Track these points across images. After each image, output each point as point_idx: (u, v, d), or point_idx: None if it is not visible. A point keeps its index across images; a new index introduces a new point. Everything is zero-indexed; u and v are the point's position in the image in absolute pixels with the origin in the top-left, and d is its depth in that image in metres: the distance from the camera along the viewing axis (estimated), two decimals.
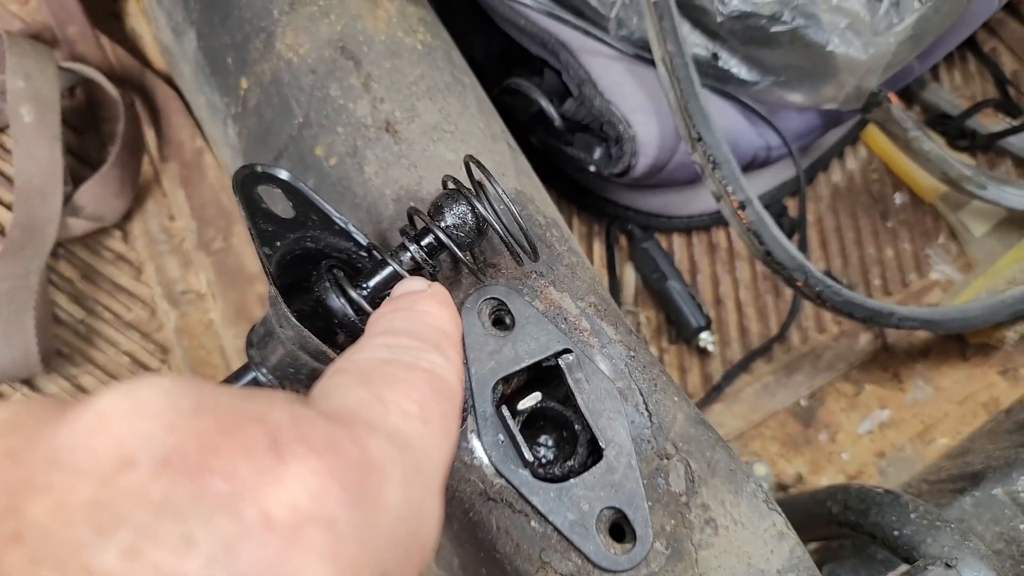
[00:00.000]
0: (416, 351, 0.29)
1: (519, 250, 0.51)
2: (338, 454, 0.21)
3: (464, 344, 0.53)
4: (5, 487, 0.19)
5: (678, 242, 1.09)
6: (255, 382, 0.52)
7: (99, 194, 0.81)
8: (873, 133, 1.16)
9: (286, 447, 0.20)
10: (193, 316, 0.83)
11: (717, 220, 1.08)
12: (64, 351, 0.81)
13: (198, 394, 0.21)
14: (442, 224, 0.49)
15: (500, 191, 0.49)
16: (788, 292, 1.08)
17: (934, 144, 0.96)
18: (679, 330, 1.02)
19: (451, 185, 0.50)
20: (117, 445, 0.19)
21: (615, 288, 1.05)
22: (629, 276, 1.06)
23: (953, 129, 1.17)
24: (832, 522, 0.73)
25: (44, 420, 0.20)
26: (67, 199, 0.80)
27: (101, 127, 0.91)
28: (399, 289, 0.39)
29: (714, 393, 1.01)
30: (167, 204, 0.88)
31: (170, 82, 0.90)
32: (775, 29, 0.83)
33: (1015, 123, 1.17)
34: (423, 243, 0.49)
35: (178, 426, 0.20)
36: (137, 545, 0.18)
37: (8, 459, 0.19)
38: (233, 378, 0.54)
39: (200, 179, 0.85)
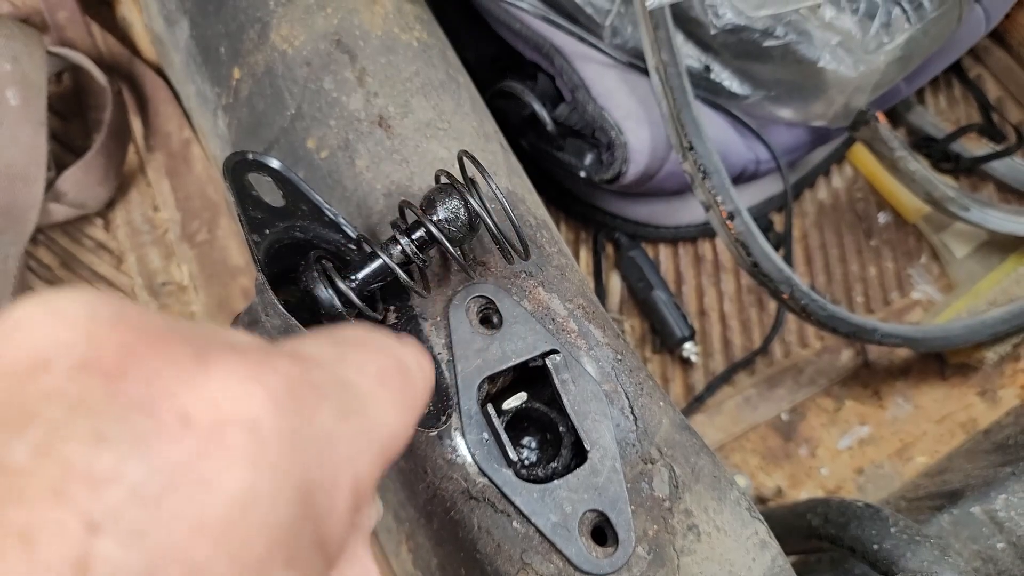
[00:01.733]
0: (393, 345, 0.28)
1: (510, 248, 0.51)
2: (272, 366, 0.21)
3: (451, 341, 0.52)
4: None
5: (664, 252, 1.09)
6: None
7: (82, 181, 0.80)
8: (859, 152, 1.17)
9: (211, 355, 0.20)
10: (174, 308, 0.81)
11: (704, 232, 1.09)
12: None
13: (121, 308, 0.20)
14: (434, 218, 0.48)
15: (494, 187, 0.48)
16: (772, 306, 1.08)
17: (919, 165, 0.97)
18: (663, 339, 1.03)
19: (444, 179, 0.50)
20: (31, 349, 0.19)
21: (601, 295, 1.05)
22: (615, 284, 1.06)
23: (937, 152, 1.19)
24: (812, 535, 0.73)
25: None
26: (49, 185, 0.79)
27: (87, 114, 0.90)
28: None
29: (696, 404, 1.02)
30: (151, 194, 0.87)
31: (159, 72, 0.89)
32: (768, 44, 0.84)
33: (999, 148, 1.18)
34: (414, 236, 0.49)
35: (97, 334, 0.19)
36: (48, 441, 0.17)
37: None
38: None
39: (186, 170, 0.84)
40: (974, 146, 1.21)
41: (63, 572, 0.16)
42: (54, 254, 0.84)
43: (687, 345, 1.01)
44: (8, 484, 0.17)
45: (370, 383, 0.24)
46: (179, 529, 0.17)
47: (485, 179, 0.49)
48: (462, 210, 0.49)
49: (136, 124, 0.88)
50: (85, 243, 0.86)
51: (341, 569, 0.25)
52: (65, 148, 0.88)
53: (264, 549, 0.19)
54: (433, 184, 0.51)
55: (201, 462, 0.18)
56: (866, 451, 1.01)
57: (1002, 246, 1.12)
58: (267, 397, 0.20)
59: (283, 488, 0.19)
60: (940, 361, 1.07)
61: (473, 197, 0.48)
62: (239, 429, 0.19)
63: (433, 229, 0.48)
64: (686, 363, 1.03)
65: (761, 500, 0.98)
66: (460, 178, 0.50)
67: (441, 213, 0.49)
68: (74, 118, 0.90)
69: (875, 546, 0.67)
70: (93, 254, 0.85)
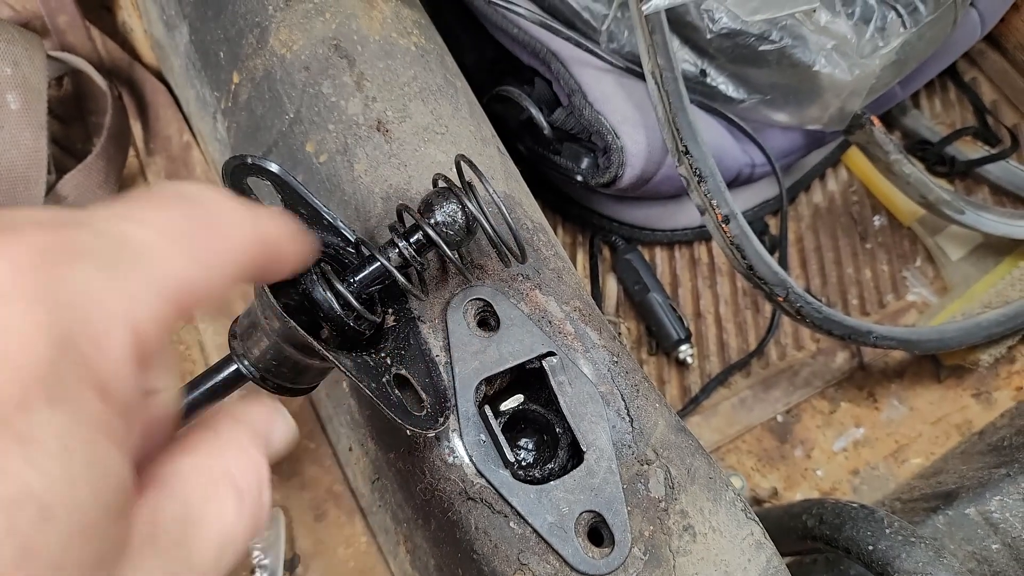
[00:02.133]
0: (201, 198, 0.28)
1: (507, 251, 0.51)
2: (16, 239, 0.22)
3: (449, 344, 0.53)
4: None
5: (660, 255, 1.10)
6: (237, 374, 0.52)
7: (82, 184, 0.80)
8: (854, 156, 1.18)
9: None
10: None
11: (700, 235, 1.09)
12: None
13: None
14: (432, 221, 0.49)
15: (491, 191, 0.49)
16: (767, 308, 1.09)
17: (914, 168, 0.98)
18: (659, 342, 1.03)
19: (442, 183, 0.51)
20: None
21: (597, 298, 1.05)
22: (611, 287, 1.06)
23: (932, 155, 1.19)
24: (807, 536, 0.74)
25: None
26: (50, 188, 0.79)
27: (87, 119, 0.90)
28: None
29: (692, 406, 1.02)
30: None
31: (159, 76, 0.89)
32: (763, 48, 0.84)
33: (993, 151, 1.19)
34: (412, 240, 0.49)
35: None
36: None
37: None
38: (214, 370, 0.53)
39: (186, 174, 0.85)
40: (969, 149, 1.21)
41: None
42: None
43: (683, 347, 1.01)
44: None
45: (150, 235, 0.25)
46: None
47: (482, 183, 0.49)
48: (459, 214, 0.49)
49: (136, 128, 0.88)
50: None
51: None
52: (65, 152, 0.88)
53: (20, 389, 0.20)
54: (431, 188, 0.51)
55: None
56: (861, 453, 1.02)
57: (997, 249, 1.12)
58: (15, 254, 0.21)
59: (34, 335, 0.20)
60: (935, 363, 1.08)
61: (470, 201, 0.49)
62: None
63: (431, 232, 0.48)
64: (682, 365, 1.04)
65: (757, 501, 0.98)
66: (458, 182, 0.51)
67: (439, 216, 0.49)
68: (74, 122, 0.90)
69: (870, 547, 0.67)
70: None
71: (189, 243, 0.26)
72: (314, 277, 0.49)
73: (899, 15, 0.91)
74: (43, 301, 0.21)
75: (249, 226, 0.29)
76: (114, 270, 0.23)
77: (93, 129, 0.90)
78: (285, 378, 0.51)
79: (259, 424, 0.30)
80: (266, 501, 0.28)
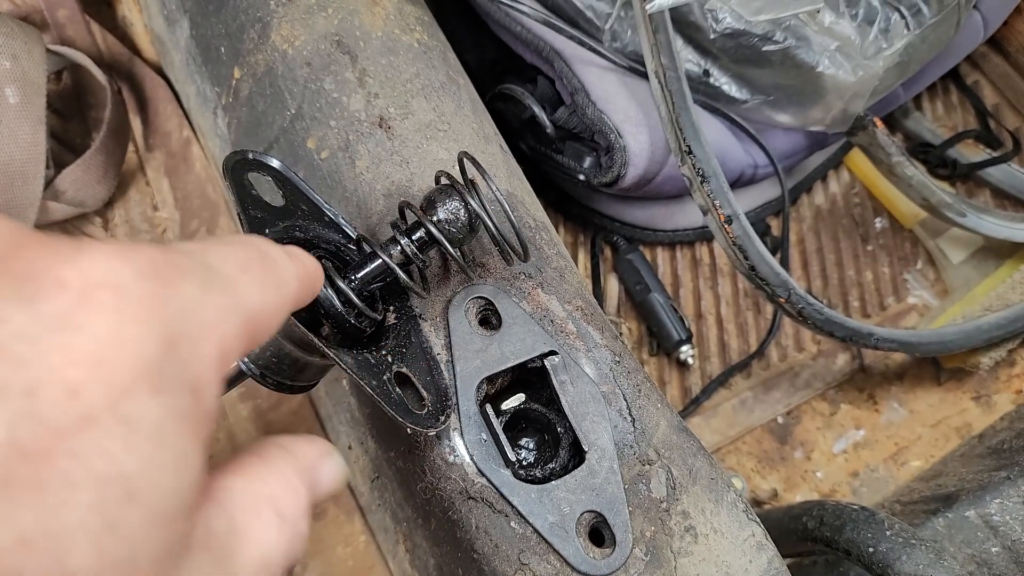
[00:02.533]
0: (257, 241, 0.33)
1: (509, 249, 0.51)
2: (137, 252, 0.25)
3: (450, 342, 0.52)
4: None
5: (662, 256, 1.09)
6: (236, 371, 0.51)
7: (81, 179, 0.80)
8: (856, 158, 1.18)
9: (86, 245, 0.24)
10: None
11: (702, 236, 1.09)
12: None
13: (16, 223, 0.24)
14: (434, 219, 0.48)
15: (493, 188, 0.49)
16: (768, 309, 1.08)
17: (916, 170, 0.97)
18: (660, 342, 1.03)
19: (445, 180, 0.50)
20: None
21: (598, 298, 1.05)
22: (613, 287, 1.06)
23: (934, 158, 1.19)
24: (807, 538, 0.73)
25: None
26: (48, 183, 0.79)
27: (87, 113, 0.90)
28: None
29: (692, 406, 1.02)
30: (150, 193, 0.86)
31: (159, 71, 0.89)
32: (766, 48, 0.84)
33: (995, 154, 1.19)
34: (414, 237, 0.49)
35: None
36: None
37: None
38: None
39: (186, 170, 0.84)
40: (971, 152, 1.21)
41: None
42: None
43: (684, 348, 1.01)
44: None
45: (232, 268, 0.29)
46: (56, 358, 0.21)
47: (485, 180, 0.49)
48: (462, 211, 0.49)
49: (135, 123, 0.88)
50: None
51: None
52: (64, 147, 0.88)
53: (130, 377, 0.23)
54: (433, 185, 0.51)
55: (74, 312, 0.22)
56: (861, 454, 1.02)
57: (998, 252, 1.12)
58: (132, 268, 0.24)
59: (146, 333, 0.23)
60: (935, 366, 1.08)
61: (473, 198, 0.49)
62: (106, 290, 0.23)
63: (433, 230, 0.48)
64: (683, 366, 1.03)
65: (756, 503, 0.98)
66: (460, 179, 0.50)
67: (441, 214, 0.49)
68: (73, 117, 0.90)
69: (870, 549, 0.67)
70: None
71: (260, 278, 0.30)
72: None
73: (903, 17, 0.91)
74: (156, 305, 0.24)
75: (296, 266, 0.33)
76: (209, 290, 0.27)
77: (92, 124, 0.89)
78: (285, 375, 0.50)
79: (306, 459, 0.33)
80: (304, 531, 0.31)
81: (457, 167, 0.51)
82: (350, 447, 0.69)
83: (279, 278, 0.31)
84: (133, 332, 0.23)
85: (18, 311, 0.22)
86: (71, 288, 0.23)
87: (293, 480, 0.31)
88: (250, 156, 0.49)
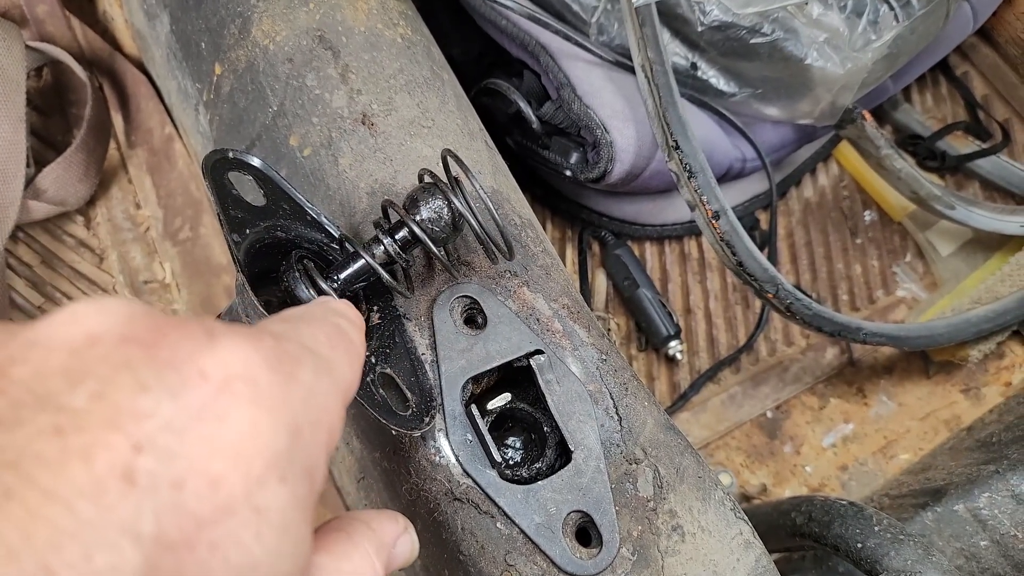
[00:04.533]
0: (328, 313, 0.35)
1: (494, 248, 0.51)
2: (261, 341, 0.27)
3: (435, 342, 0.52)
4: None
5: (650, 250, 1.09)
6: None
7: (62, 178, 0.79)
8: (845, 150, 1.18)
9: (219, 334, 0.26)
10: (156, 306, 0.80)
11: (690, 230, 1.08)
12: None
13: (148, 307, 0.26)
14: (417, 218, 0.48)
15: (478, 187, 0.48)
16: (757, 304, 1.08)
17: (905, 163, 0.97)
18: (648, 338, 1.03)
19: (428, 179, 0.50)
20: (85, 330, 0.24)
21: (586, 294, 1.05)
22: (600, 282, 1.06)
23: (923, 150, 1.19)
24: (795, 533, 0.73)
25: (25, 324, 0.25)
26: (29, 182, 0.77)
27: (67, 110, 0.89)
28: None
29: (681, 402, 1.02)
30: (133, 191, 0.86)
31: (141, 67, 0.88)
32: (754, 41, 0.84)
33: (985, 146, 1.19)
34: (397, 236, 0.48)
35: (134, 319, 0.25)
36: (102, 390, 0.22)
37: None
38: None
39: (169, 167, 0.83)
40: (960, 144, 1.21)
41: (114, 479, 0.21)
42: (34, 252, 0.83)
43: (673, 343, 1.01)
44: (72, 420, 0.22)
45: (325, 348, 0.31)
46: (201, 450, 0.23)
47: (469, 178, 0.48)
48: (445, 210, 0.48)
49: (117, 120, 0.87)
50: (66, 241, 0.85)
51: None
52: (45, 144, 0.87)
53: (264, 468, 0.24)
54: (417, 183, 0.50)
55: (216, 404, 0.24)
56: (850, 448, 1.02)
57: (987, 244, 1.12)
58: (262, 360, 0.26)
59: (278, 424, 0.25)
60: (924, 359, 1.08)
61: (457, 197, 0.48)
62: (243, 382, 0.25)
63: (416, 229, 0.48)
64: (671, 361, 1.03)
65: (745, 498, 0.98)
66: (444, 177, 0.50)
67: (424, 213, 0.48)
68: (54, 114, 0.89)
69: (859, 544, 0.67)
70: (74, 252, 0.84)
71: (345, 351, 0.32)
72: (297, 274, 0.48)
73: (891, 8, 0.90)
74: (284, 396, 0.26)
75: (360, 326, 0.36)
76: (319, 376, 0.29)
77: (73, 121, 0.88)
78: None
79: (387, 537, 0.35)
80: None
81: (441, 165, 0.51)
82: (336, 447, 0.69)
83: (355, 345, 0.34)
84: (267, 423, 0.25)
85: (166, 403, 0.23)
86: (212, 379, 0.24)
87: (373, 559, 0.33)
88: (230, 155, 0.48)
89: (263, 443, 0.24)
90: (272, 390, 0.26)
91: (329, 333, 0.32)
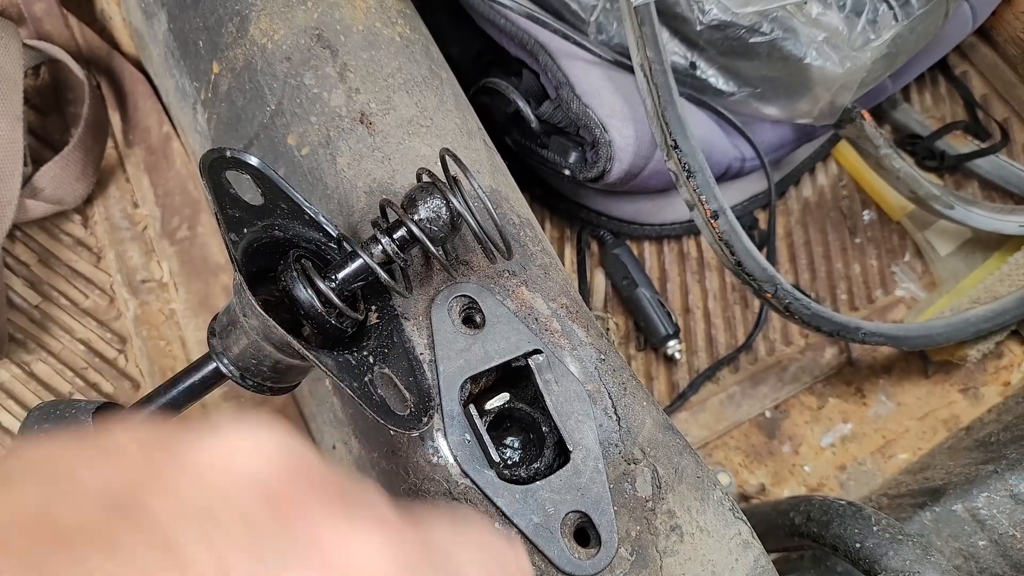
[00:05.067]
0: (505, 550, 0.33)
1: (492, 247, 0.50)
2: (402, 538, 0.25)
3: (433, 341, 0.52)
4: (140, 481, 0.23)
5: (649, 250, 1.09)
6: (216, 372, 0.51)
7: (59, 176, 0.79)
8: (844, 150, 1.18)
9: (359, 518, 0.25)
10: (153, 306, 0.80)
11: (689, 229, 1.08)
12: (17, 336, 0.78)
13: (303, 453, 0.26)
14: (415, 217, 0.48)
15: (476, 186, 0.48)
16: (756, 303, 1.08)
17: (904, 162, 0.97)
18: (647, 337, 1.02)
19: (426, 178, 0.49)
20: (236, 474, 0.24)
21: (585, 293, 1.05)
22: (599, 282, 1.06)
23: (922, 149, 1.19)
24: (794, 533, 0.73)
25: (180, 439, 0.25)
26: (26, 180, 0.77)
27: (65, 109, 0.88)
28: None
29: (680, 401, 1.01)
30: (130, 190, 0.85)
31: (139, 66, 0.88)
32: (753, 40, 0.83)
33: (984, 146, 1.19)
34: (395, 236, 0.48)
35: (277, 465, 0.25)
36: (221, 542, 0.22)
37: (148, 462, 0.24)
38: (193, 368, 0.52)
39: (166, 166, 0.83)
40: (959, 143, 1.21)
41: None
42: (31, 251, 0.83)
43: (671, 343, 1.01)
44: (170, 560, 0.21)
45: (474, 568, 0.29)
46: None
47: (467, 178, 0.48)
48: (444, 209, 0.48)
49: (115, 119, 0.86)
50: (63, 239, 0.84)
51: None
52: (42, 143, 0.87)
53: None
54: (415, 182, 0.50)
55: None
56: (849, 448, 1.02)
57: (985, 244, 1.12)
58: (391, 559, 0.25)
59: None
60: (923, 359, 1.08)
61: (455, 196, 0.48)
62: (363, 574, 0.24)
63: (414, 228, 0.47)
64: (670, 361, 1.03)
65: (744, 497, 0.98)
66: (442, 177, 0.49)
67: (423, 212, 0.48)
68: (51, 112, 0.89)
69: (857, 544, 0.67)
70: (71, 251, 0.84)
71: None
72: (295, 274, 0.47)
73: (891, 8, 0.90)
74: None
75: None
76: None
77: (71, 120, 0.88)
78: (265, 377, 0.50)
79: None
80: None
81: (439, 164, 0.50)
82: (334, 447, 0.69)
83: None
84: None
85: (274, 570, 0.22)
86: (331, 566, 0.23)
87: None
88: (228, 154, 0.48)
89: None
90: None
91: (490, 570, 0.30)
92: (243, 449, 0.25)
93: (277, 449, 0.25)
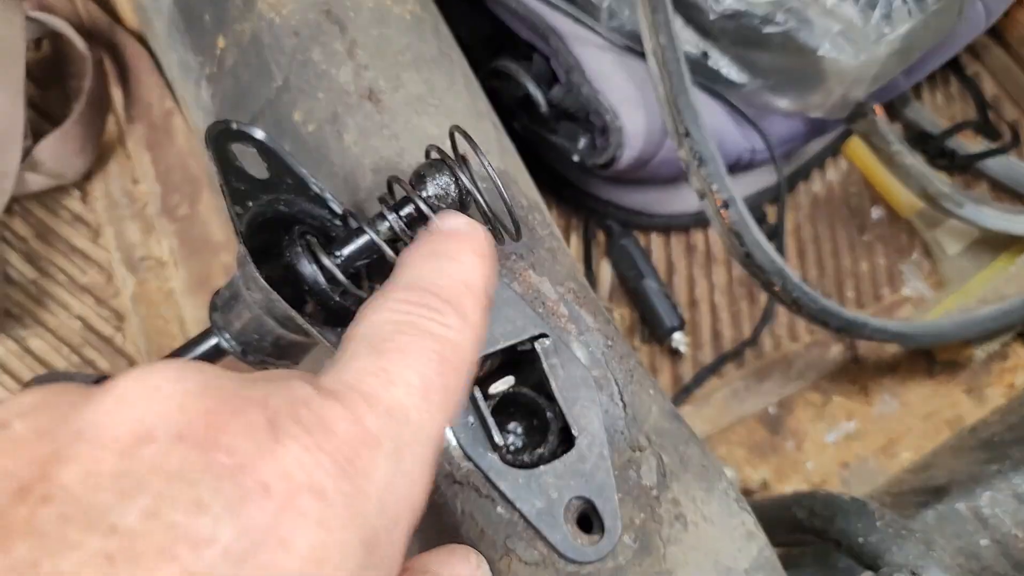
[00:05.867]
0: (433, 312, 0.31)
1: (501, 227, 0.50)
2: (330, 433, 0.24)
3: None
4: (36, 458, 0.21)
5: (656, 241, 1.08)
6: (216, 348, 0.50)
7: (60, 150, 0.78)
8: (855, 146, 1.17)
9: (281, 428, 0.23)
10: (152, 284, 0.79)
11: (697, 221, 1.08)
12: (13, 311, 0.77)
13: (203, 377, 0.24)
14: (423, 194, 0.47)
15: (486, 164, 0.47)
16: (762, 299, 1.08)
17: (915, 159, 0.96)
18: (652, 329, 1.02)
19: (435, 155, 0.49)
20: (135, 422, 0.22)
21: (590, 283, 1.04)
22: (605, 272, 1.05)
23: (933, 148, 1.18)
24: (797, 528, 0.73)
25: (69, 402, 0.23)
26: (26, 153, 0.76)
27: (67, 83, 0.88)
28: (440, 224, 0.39)
29: (683, 395, 1.01)
30: (131, 167, 0.84)
31: (142, 40, 0.87)
32: (767, 30, 0.83)
33: (994, 146, 1.18)
34: (402, 213, 0.47)
35: (187, 406, 0.23)
36: (156, 507, 0.20)
37: (38, 436, 0.22)
38: (193, 343, 0.51)
39: (168, 143, 0.82)
40: (970, 143, 1.20)
41: None
42: (29, 225, 0.82)
43: (676, 335, 1.00)
44: (122, 545, 0.20)
45: (416, 399, 0.27)
46: None
47: (477, 155, 0.47)
48: (452, 186, 0.47)
49: (116, 94, 0.86)
50: (62, 215, 0.84)
51: None
52: (43, 117, 0.86)
53: None
54: (423, 160, 0.49)
55: (279, 525, 0.22)
56: (852, 446, 1.01)
57: (994, 244, 1.12)
58: (331, 465, 0.23)
59: (349, 541, 0.23)
60: (928, 358, 1.07)
61: (464, 174, 0.47)
62: (309, 495, 0.22)
63: (422, 205, 0.46)
64: (675, 353, 1.02)
65: (746, 492, 0.98)
66: (451, 154, 0.48)
67: (431, 189, 0.47)
68: (53, 86, 0.88)
69: (860, 540, 0.66)
70: (70, 226, 0.83)
71: (443, 399, 0.28)
72: (299, 249, 0.47)
73: (905, 2, 0.89)
74: (356, 507, 0.23)
75: (476, 339, 0.32)
76: (399, 456, 0.25)
77: (72, 94, 0.87)
78: (267, 353, 0.49)
79: None
80: None
81: (449, 142, 0.49)
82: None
83: (463, 382, 0.30)
84: (336, 545, 0.22)
85: (225, 525, 0.21)
86: (276, 495, 0.22)
87: None
88: (234, 126, 0.47)
89: (334, 568, 0.22)
90: (343, 501, 0.23)
91: (428, 366, 0.28)
92: (137, 397, 0.23)
93: (173, 384, 0.23)
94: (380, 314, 0.32)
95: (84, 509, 0.20)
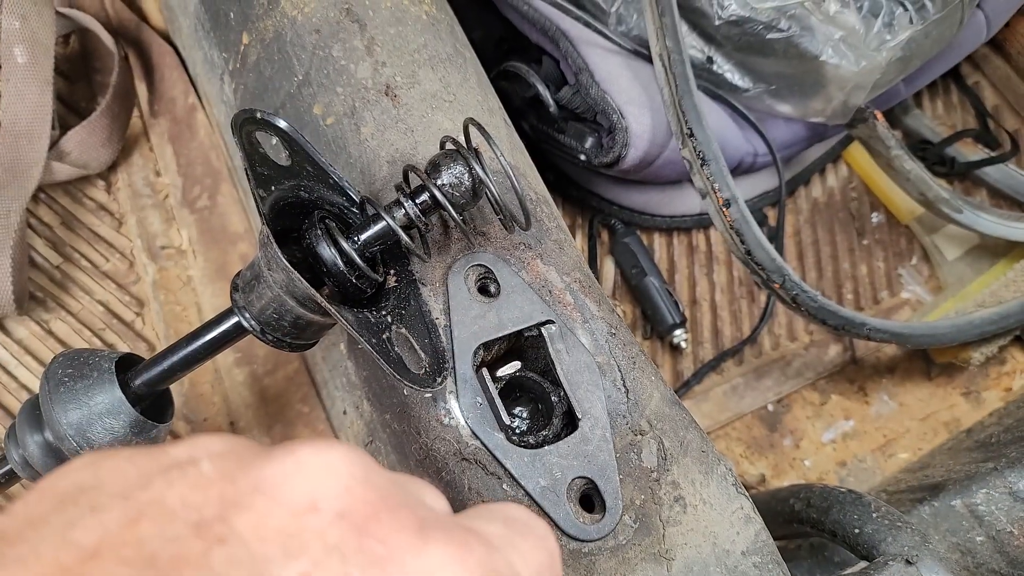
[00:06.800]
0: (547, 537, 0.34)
1: (512, 216, 0.52)
2: (472, 552, 0.26)
3: (449, 307, 0.53)
4: (218, 499, 0.24)
5: (659, 241, 1.10)
6: (237, 327, 0.52)
7: (86, 141, 0.80)
8: (855, 152, 1.19)
9: (430, 533, 0.26)
10: (172, 271, 0.82)
11: (699, 222, 1.10)
12: (37, 295, 0.80)
13: (368, 468, 0.27)
14: (438, 183, 0.49)
15: (498, 154, 0.49)
16: (762, 298, 1.09)
17: (915, 165, 0.98)
18: (654, 325, 1.04)
19: (450, 146, 0.51)
20: (308, 490, 0.25)
21: None
22: (608, 270, 1.07)
23: (933, 155, 1.20)
24: (794, 519, 0.74)
25: (253, 454, 0.26)
26: (53, 144, 0.79)
27: (93, 77, 0.90)
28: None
29: (683, 390, 1.03)
30: (154, 159, 0.87)
31: (167, 39, 0.89)
32: (771, 36, 0.85)
33: (993, 154, 1.20)
34: (418, 200, 0.49)
35: (353, 490, 0.25)
36: (311, 572, 0.23)
37: (222, 478, 0.25)
38: (215, 322, 0.53)
39: (190, 137, 0.85)
40: (969, 151, 1.22)
41: None
42: (55, 213, 0.85)
43: (678, 332, 1.02)
44: None
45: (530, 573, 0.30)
46: None
47: (491, 147, 0.49)
48: (466, 176, 0.49)
49: (141, 89, 0.88)
50: (86, 203, 0.86)
51: None
52: (70, 110, 0.88)
53: None
54: (438, 151, 0.52)
55: None
56: (849, 445, 1.03)
57: (992, 250, 1.13)
58: (462, 569, 0.25)
59: None
60: (926, 361, 1.09)
61: (477, 164, 0.49)
62: None
63: (437, 193, 0.49)
64: (676, 350, 1.04)
65: (744, 487, 0.99)
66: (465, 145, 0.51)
67: (445, 178, 0.49)
68: (80, 80, 0.90)
69: (856, 530, 0.68)
70: (94, 215, 0.85)
71: None
72: (319, 233, 0.49)
73: (907, 10, 0.91)
74: None
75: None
76: None
77: (98, 88, 0.90)
78: (285, 332, 0.51)
79: None
80: None
81: (462, 135, 0.52)
82: (344, 412, 0.70)
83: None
84: None
85: None
86: None
87: None
88: (258, 115, 0.50)
89: None
90: None
91: (542, 562, 0.31)
92: (313, 467, 0.25)
93: (348, 467, 0.26)
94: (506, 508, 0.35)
95: (252, 557, 0.22)
